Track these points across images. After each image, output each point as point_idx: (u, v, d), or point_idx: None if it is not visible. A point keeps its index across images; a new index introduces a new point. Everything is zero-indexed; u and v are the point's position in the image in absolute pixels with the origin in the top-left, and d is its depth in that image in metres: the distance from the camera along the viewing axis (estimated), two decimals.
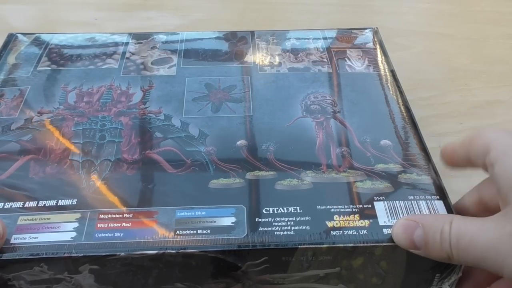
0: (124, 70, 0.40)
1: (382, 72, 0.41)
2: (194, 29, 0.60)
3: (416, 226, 0.26)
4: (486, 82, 0.53)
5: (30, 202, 0.29)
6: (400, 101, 0.38)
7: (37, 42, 0.44)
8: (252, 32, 0.46)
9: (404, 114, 0.36)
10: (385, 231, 0.27)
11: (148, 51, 0.43)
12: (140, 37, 0.45)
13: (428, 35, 0.61)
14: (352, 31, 0.46)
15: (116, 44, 0.44)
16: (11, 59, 0.41)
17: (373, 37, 0.45)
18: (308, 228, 0.28)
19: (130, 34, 0.45)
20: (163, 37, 0.45)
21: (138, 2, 0.66)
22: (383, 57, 0.43)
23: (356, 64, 0.42)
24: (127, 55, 0.42)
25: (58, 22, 0.61)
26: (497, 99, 0.51)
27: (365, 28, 0.47)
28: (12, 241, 0.27)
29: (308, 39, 0.45)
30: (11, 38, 0.44)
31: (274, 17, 0.64)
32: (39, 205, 0.29)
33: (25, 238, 0.27)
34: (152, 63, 0.41)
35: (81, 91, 0.38)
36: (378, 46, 0.44)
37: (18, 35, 0.45)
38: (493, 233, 0.23)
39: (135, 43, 0.44)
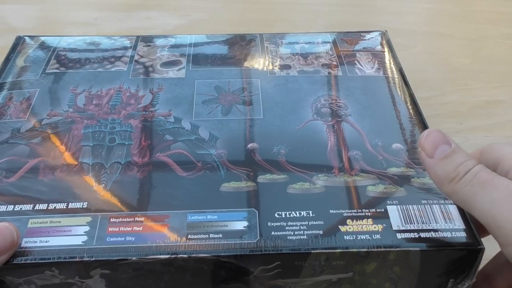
0: (133, 73, 0.40)
1: (392, 75, 0.40)
2: (194, 29, 0.60)
3: (449, 142, 0.25)
4: (486, 82, 0.53)
5: (40, 204, 0.29)
6: (410, 104, 0.37)
7: (45, 45, 0.43)
8: (261, 35, 0.45)
9: (415, 118, 0.36)
10: (398, 235, 0.27)
11: (156, 53, 0.43)
12: (149, 40, 0.44)
13: (428, 35, 0.61)
14: (361, 33, 0.46)
15: (125, 47, 0.43)
16: (19, 61, 0.41)
17: (382, 40, 0.45)
18: (321, 232, 0.27)
19: (138, 37, 0.45)
20: (172, 40, 0.45)
21: (138, 2, 0.66)
22: (392, 60, 0.42)
23: (366, 67, 0.41)
24: (136, 57, 0.42)
25: (58, 22, 0.61)
26: (497, 99, 0.51)
27: (374, 31, 0.47)
28: (23, 244, 0.26)
29: (317, 42, 0.44)
30: (19, 41, 0.44)
31: (274, 17, 0.64)
32: (49, 207, 0.28)
33: (36, 242, 0.26)
34: (161, 66, 0.41)
35: (90, 94, 0.38)
36: (387, 49, 0.44)
37: (26, 37, 0.44)
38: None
39: (143, 46, 0.44)
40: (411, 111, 0.37)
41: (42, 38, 0.44)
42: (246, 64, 0.41)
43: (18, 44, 0.43)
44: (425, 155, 0.26)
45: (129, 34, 0.59)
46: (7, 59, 0.41)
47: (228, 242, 0.27)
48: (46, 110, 0.36)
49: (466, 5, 0.67)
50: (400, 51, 0.57)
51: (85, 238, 0.27)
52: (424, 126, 0.35)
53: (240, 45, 0.44)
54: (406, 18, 0.65)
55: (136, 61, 0.42)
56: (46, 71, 0.40)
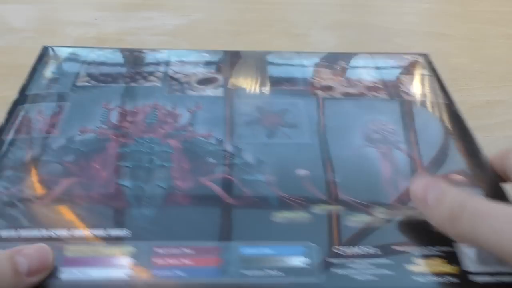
0: (168, 89, 0.38)
1: (437, 100, 0.39)
2: (194, 29, 0.60)
3: (434, 187, 0.25)
4: (486, 82, 0.53)
5: (77, 230, 0.26)
6: (464, 131, 0.35)
7: (74, 56, 0.42)
8: (299, 53, 0.44)
9: (466, 145, 0.34)
10: (471, 277, 0.25)
11: (192, 69, 0.41)
12: (183, 55, 0.43)
13: (428, 35, 0.61)
14: (402, 55, 0.44)
15: (158, 61, 0.42)
16: (47, 73, 0.39)
17: (425, 63, 0.43)
18: (388, 272, 0.25)
19: (170, 51, 0.43)
20: (206, 55, 0.43)
21: (138, 2, 0.66)
22: (438, 84, 0.41)
23: (411, 91, 0.39)
24: (170, 73, 0.40)
25: (58, 22, 0.61)
26: (497, 99, 0.51)
27: (416, 53, 0.45)
28: (60, 275, 0.24)
29: (358, 63, 0.43)
30: (45, 52, 0.42)
31: (274, 17, 0.64)
32: (87, 234, 0.26)
33: (75, 273, 0.24)
34: (197, 83, 0.39)
35: (124, 110, 0.36)
36: (432, 72, 0.42)
37: (54, 48, 0.42)
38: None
39: (177, 61, 0.42)
40: (464, 137, 0.35)
41: (70, 49, 0.42)
42: (286, 84, 0.39)
43: (44, 54, 0.41)
44: (419, 203, 0.26)
45: (130, 34, 0.59)
46: (34, 70, 0.39)
47: (287, 280, 0.24)
48: (78, 125, 0.34)
49: (466, 5, 0.67)
50: (400, 51, 0.57)
51: (128, 270, 0.24)
52: (478, 154, 0.33)
53: (276, 64, 0.42)
54: (406, 18, 0.65)
55: (171, 76, 0.39)
56: (76, 84, 0.38)
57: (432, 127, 0.36)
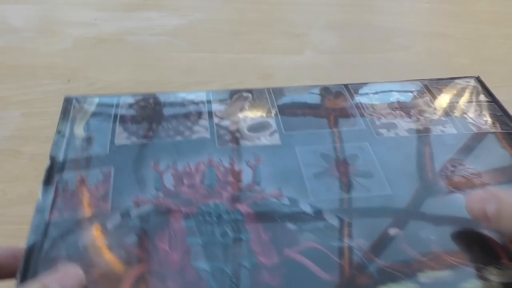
0: (219, 141, 0.34)
1: (507, 128, 0.35)
2: (194, 29, 0.60)
3: (490, 199, 0.25)
4: (486, 82, 0.53)
5: None
6: None
7: (104, 107, 0.36)
8: (346, 86, 0.39)
9: None
10: None
11: (237, 113, 0.36)
12: (221, 95, 0.38)
13: (428, 35, 0.61)
14: (454, 80, 0.40)
15: (197, 105, 0.37)
16: (78, 131, 0.34)
17: (480, 87, 0.40)
18: None
19: (208, 92, 0.38)
20: (248, 95, 0.38)
21: (138, 2, 0.66)
22: (500, 110, 0.37)
23: (478, 121, 0.35)
24: (216, 120, 0.35)
25: (58, 22, 0.61)
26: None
27: (466, 77, 0.41)
28: None
29: (411, 92, 0.38)
30: (69, 104, 0.36)
31: (274, 17, 0.64)
32: None
33: None
34: (248, 130, 0.35)
35: (177, 171, 0.31)
36: (490, 97, 0.38)
37: (78, 99, 0.37)
38: None
39: (218, 103, 0.37)
40: None
41: (97, 99, 0.37)
42: (345, 123, 0.35)
43: (69, 108, 0.36)
44: (480, 218, 0.25)
45: (130, 34, 0.59)
46: (61, 128, 0.34)
47: None
48: (130, 195, 0.29)
49: (466, 5, 0.67)
50: (400, 51, 0.58)
51: None
52: None
53: (328, 99, 0.38)
54: (406, 18, 0.65)
55: (217, 125, 0.35)
56: (115, 143, 0.33)
57: (509, 162, 0.32)
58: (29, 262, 0.24)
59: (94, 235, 0.26)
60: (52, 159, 0.31)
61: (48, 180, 0.29)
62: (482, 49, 0.58)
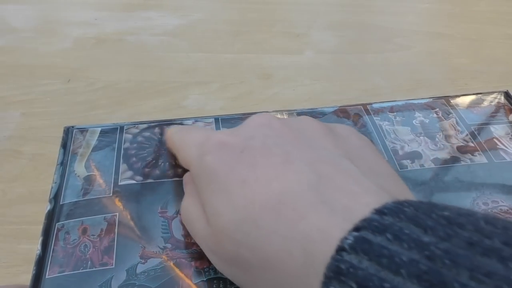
0: None
1: None
2: (194, 29, 0.60)
3: None
4: (486, 82, 0.53)
5: None
6: None
7: (106, 138, 0.33)
8: (364, 106, 0.36)
9: None
10: None
11: None
12: (228, 121, 0.35)
13: (428, 35, 0.61)
14: (480, 97, 0.37)
15: None
16: (79, 169, 0.30)
17: (510, 104, 0.36)
18: None
19: (217, 118, 0.35)
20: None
21: (138, 2, 0.66)
22: None
23: (510, 147, 0.32)
24: None
25: (58, 22, 0.61)
26: None
27: (494, 92, 0.37)
28: None
29: (436, 112, 0.35)
30: (69, 135, 0.33)
31: (274, 17, 0.64)
32: None
33: None
34: None
35: None
36: None
37: (79, 128, 0.34)
38: None
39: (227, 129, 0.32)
40: None
41: (98, 129, 0.34)
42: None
43: (69, 140, 0.33)
44: None
45: (130, 34, 0.59)
46: (62, 163, 0.31)
47: None
48: (136, 249, 0.25)
49: (466, 5, 0.67)
50: (400, 51, 0.57)
51: None
52: None
53: (347, 122, 0.35)
54: (406, 18, 0.65)
55: None
56: (120, 183, 0.29)
57: None
58: None
59: None
60: (51, 201, 0.28)
61: (48, 228, 0.27)
62: (482, 49, 0.58)
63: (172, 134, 0.29)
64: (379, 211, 0.16)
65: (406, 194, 0.21)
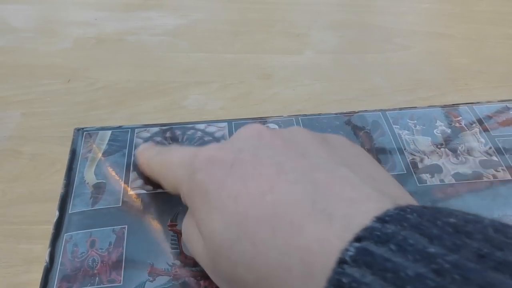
0: None
1: None
2: (194, 29, 0.60)
3: None
4: (486, 82, 0.53)
5: None
6: None
7: (117, 143, 0.31)
8: (384, 113, 0.34)
9: None
10: None
11: None
12: (241, 126, 0.31)
13: (428, 35, 0.61)
14: (506, 104, 0.34)
15: (218, 141, 0.32)
16: (89, 175, 0.29)
17: None
18: None
19: (230, 122, 0.33)
20: (275, 127, 0.33)
21: (138, 2, 0.66)
22: None
23: None
24: None
25: (58, 22, 0.61)
26: (497, 99, 0.51)
27: None
28: None
29: (458, 121, 0.33)
30: (79, 137, 0.32)
31: (274, 17, 0.64)
32: None
33: None
34: None
35: None
36: None
37: (89, 132, 0.32)
38: None
39: None
40: None
41: (109, 132, 0.32)
42: (383, 165, 0.30)
43: (79, 142, 0.31)
44: None
45: (130, 34, 0.59)
46: (70, 170, 0.29)
47: None
48: (145, 265, 0.24)
49: (466, 5, 0.67)
50: (400, 51, 0.57)
51: None
52: None
53: (365, 132, 0.33)
54: (406, 18, 0.65)
55: None
56: (129, 193, 0.28)
57: None
58: None
59: None
60: (60, 209, 0.27)
61: (55, 240, 0.26)
62: (482, 49, 0.58)
63: (149, 160, 0.27)
64: (380, 219, 0.15)
65: (407, 199, 0.21)
